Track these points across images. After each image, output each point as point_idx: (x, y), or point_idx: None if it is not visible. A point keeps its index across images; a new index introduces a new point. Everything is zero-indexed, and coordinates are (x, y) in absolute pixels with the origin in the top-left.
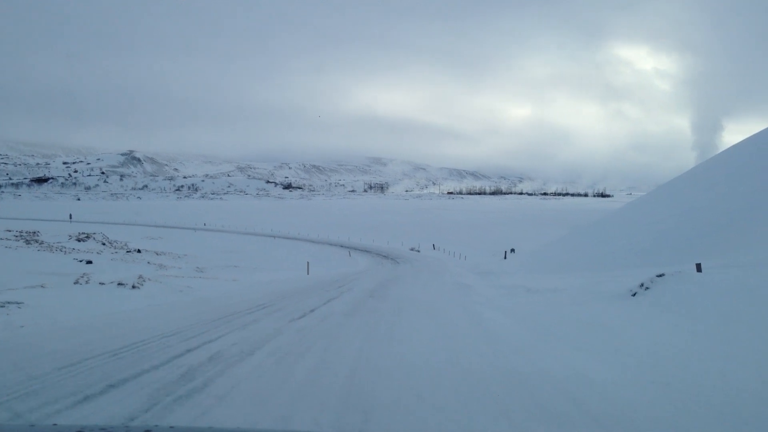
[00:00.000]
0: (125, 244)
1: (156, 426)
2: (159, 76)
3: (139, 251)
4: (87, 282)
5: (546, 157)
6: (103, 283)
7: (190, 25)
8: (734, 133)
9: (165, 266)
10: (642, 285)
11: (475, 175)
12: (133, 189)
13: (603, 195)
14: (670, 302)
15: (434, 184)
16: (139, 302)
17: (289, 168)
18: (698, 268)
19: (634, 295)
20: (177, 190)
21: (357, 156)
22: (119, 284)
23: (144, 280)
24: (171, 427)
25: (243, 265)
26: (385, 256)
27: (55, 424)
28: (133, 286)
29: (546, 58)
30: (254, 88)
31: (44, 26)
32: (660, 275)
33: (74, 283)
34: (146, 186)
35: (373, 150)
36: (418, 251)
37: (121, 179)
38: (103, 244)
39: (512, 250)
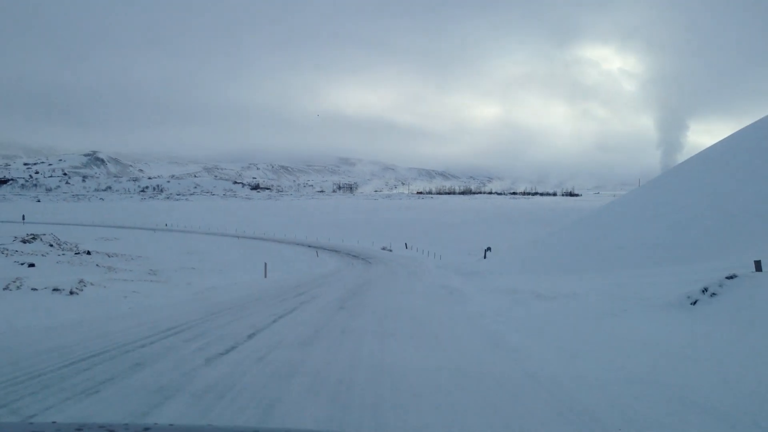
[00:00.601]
0: (75, 246)
1: (155, 424)
2: (124, 74)
3: (89, 253)
4: (18, 287)
5: (515, 157)
6: (35, 289)
7: (156, 20)
8: (699, 133)
9: (114, 269)
10: (705, 290)
11: (444, 175)
12: (96, 190)
13: (571, 194)
14: (753, 317)
15: (403, 184)
16: (59, 313)
17: (257, 169)
18: (758, 266)
19: (694, 303)
20: (141, 191)
21: (326, 156)
22: (55, 290)
23: (85, 285)
24: (170, 425)
25: (202, 267)
26: (355, 256)
27: (54, 422)
28: (71, 292)
29: (515, 57)
30: (222, 86)
31: (2, 19)
32: (731, 277)
33: (3, 288)
34: (110, 187)
35: (342, 150)
36: (390, 251)
37: (83, 180)
38: (51, 245)
39: (488, 249)
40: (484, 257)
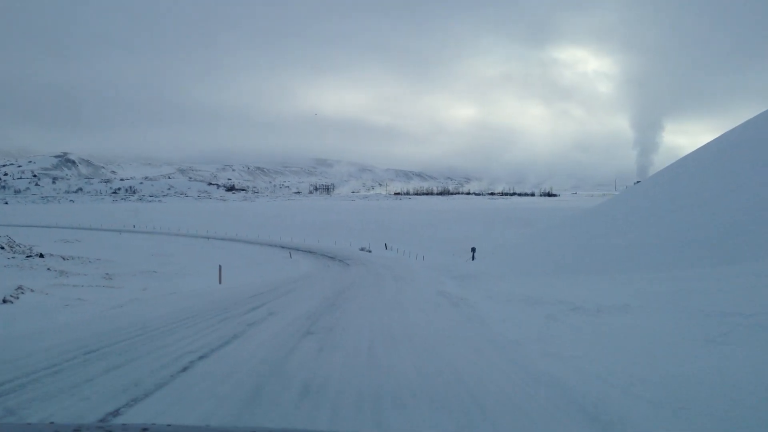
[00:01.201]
0: (29, 248)
1: (153, 424)
2: (95, 73)
3: (41, 256)
4: None
5: (492, 158)
6: None
7: (127, 19)
8: (675, 133)
9: (66, 273)
10: None
11: (421, 176)
12: (67, 192)
13: (549, 194)
14: None
15: (381, 185)
16: None
17: (233, 170)
18: None
19: None
20: (113, 192)
21: (302, 158)
22: None
23: (23, 292)
24: (168, 425)
25: (164, 271)
26: (332, 257)
27: (52, 423)
28: (4, 300)
29: (493, 58)
30: (196, 86)
31: None
32: None
33: None
34: (81, 189)
35: (319, 151)
36: (370, 251)
37: (53, 182)
38: (2, 248)
39: (474, 249)
40: (472, 258)
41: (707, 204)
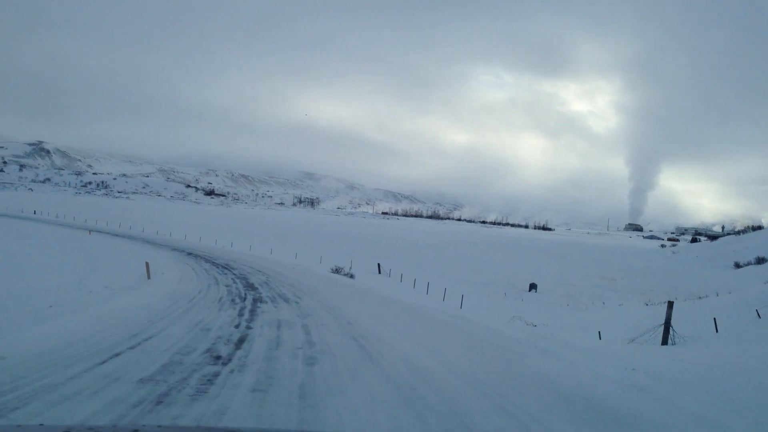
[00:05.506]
0: None
1: (144, 426)
2: (78, 62)
3: None
4: None
5: (484, 186)
6: None
7: (111, 4)
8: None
9: None
10: None
11: (410, 198)
12: (33, 181)
13: (544, 228)
14: None
15: (368, 203)
16: None
17: (216, 175)
18: None
19: None
20: (83, 186)
21: (289, 169)
22: None
23: None
24: (158, 426)
25: None
26: (265, 282)
27: (41, 425)
28: None
29: (496, 83)
30: (183, 81)
31: None
32: None
33: None
34: (49, 179)
35: (307, 164)
36: (351, 276)
37: (20, 170)
38: None
39: (533, 286)
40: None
41: None
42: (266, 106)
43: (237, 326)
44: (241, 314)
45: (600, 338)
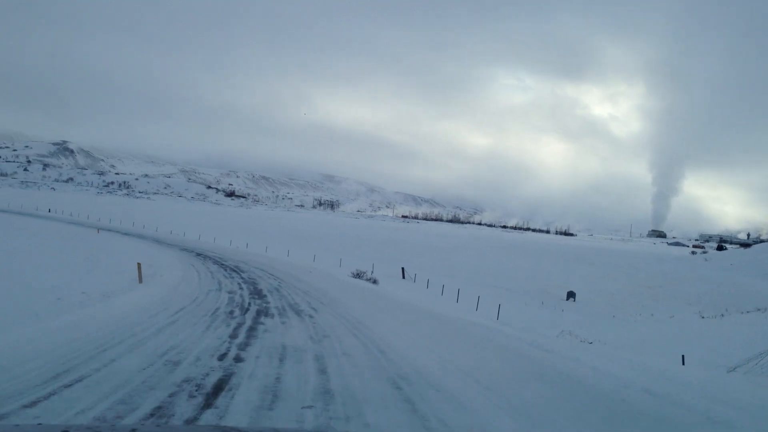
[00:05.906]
0: None
1: (142, 424)
2: (104, 63)
3: None
4: None
5: (505, 190)
6: None
7: (136, 6)
8: (692, 184)
9: None
10: None
11: (431, 202)
12: (56, 180)
13: (566, 233)
14: None
15: (388, 206)
16: None
17: (237, 176)
18: None
19: None
20: (106, 186)
21: (310, 171)
22: None
23: None
24: (157, 426)
25: None
26: (276, 289)
27: (39, 424)
28: None
29: (516, 87)
30: (208, 84)
31: None
32: None
33: None
34: (72, 179)
35: (328, 166)
36: (374, 281)
37: (44, 169)
38: None
39: (572, 294)
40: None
41: None
42: (287, 107)
43: (222, 357)
44: (234, 335)
45: (683, 363)
